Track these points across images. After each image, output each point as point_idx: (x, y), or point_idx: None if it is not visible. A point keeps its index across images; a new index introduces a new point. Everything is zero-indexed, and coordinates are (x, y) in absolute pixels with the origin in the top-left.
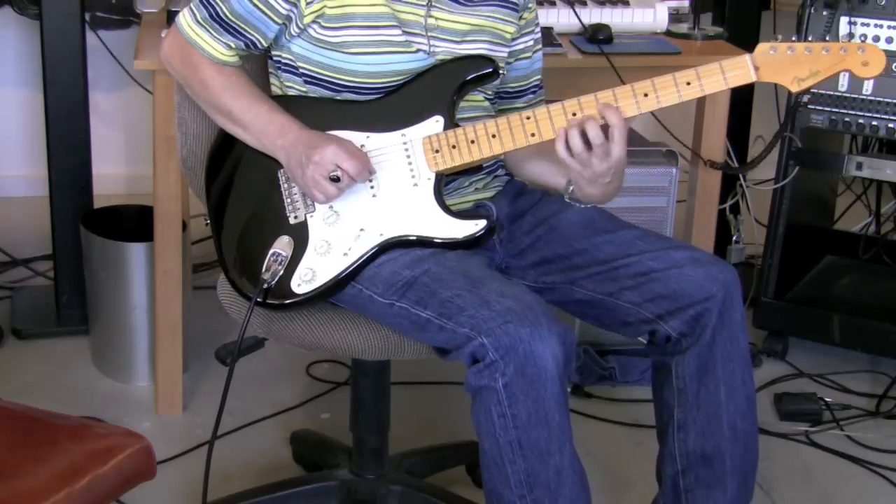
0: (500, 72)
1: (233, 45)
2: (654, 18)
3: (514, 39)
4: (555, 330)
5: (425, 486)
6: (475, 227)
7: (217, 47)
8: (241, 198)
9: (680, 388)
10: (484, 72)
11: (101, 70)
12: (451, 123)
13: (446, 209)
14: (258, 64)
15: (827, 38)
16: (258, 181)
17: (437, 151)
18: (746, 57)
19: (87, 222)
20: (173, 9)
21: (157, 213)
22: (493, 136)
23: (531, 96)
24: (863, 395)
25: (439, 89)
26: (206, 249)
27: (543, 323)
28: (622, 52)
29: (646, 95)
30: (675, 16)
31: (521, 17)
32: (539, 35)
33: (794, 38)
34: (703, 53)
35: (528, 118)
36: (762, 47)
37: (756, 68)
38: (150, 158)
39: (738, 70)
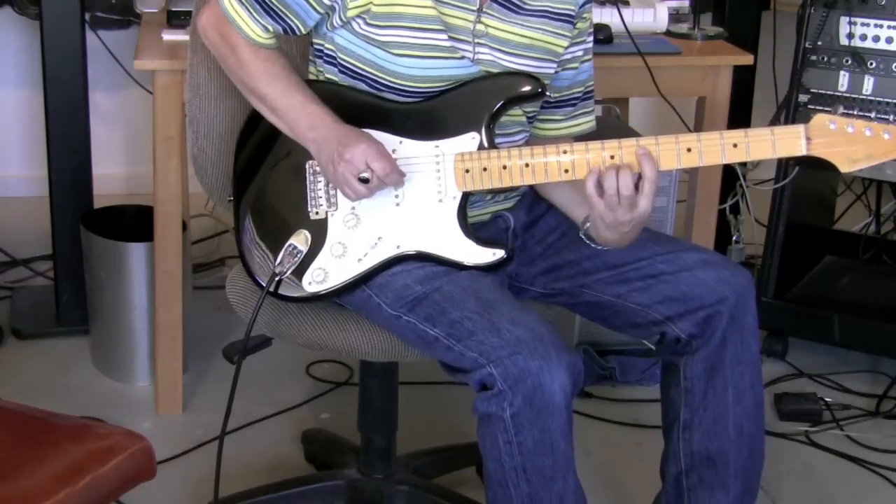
0: (547, 93)
1: (271, 29)
2: (654, 18)
3: (565, 50)
4: (563, 361)
5: (432, 486)
6: (492, 256)
7: (255, 29)
8: (267, 185)
9: (687, 389)
10: (528, 91)
11: (101, 70)
12: (487, 142)
13: (467, 231)
14: (294, 46)
15: (829, 39)
16: (285, 170)
17: (467, 171)
18: (801, 128)
19: (87, 222)
20: (173, 9)
21: (157, 213)
22: (527, 165)
23: (570, 108)
24: (863, 395)
25: (480, 104)
26: (206, 249)
27: (553, 355)
28: (622, 52)
29: (689, 150)
30: (675, 16)
31: (575, 27)
32: (590, 45)
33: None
34: (703, 53)
35: (565, 152)
36: (820, 119)
37: (808, 140)
38: (150, 158)
39: (789, 139)
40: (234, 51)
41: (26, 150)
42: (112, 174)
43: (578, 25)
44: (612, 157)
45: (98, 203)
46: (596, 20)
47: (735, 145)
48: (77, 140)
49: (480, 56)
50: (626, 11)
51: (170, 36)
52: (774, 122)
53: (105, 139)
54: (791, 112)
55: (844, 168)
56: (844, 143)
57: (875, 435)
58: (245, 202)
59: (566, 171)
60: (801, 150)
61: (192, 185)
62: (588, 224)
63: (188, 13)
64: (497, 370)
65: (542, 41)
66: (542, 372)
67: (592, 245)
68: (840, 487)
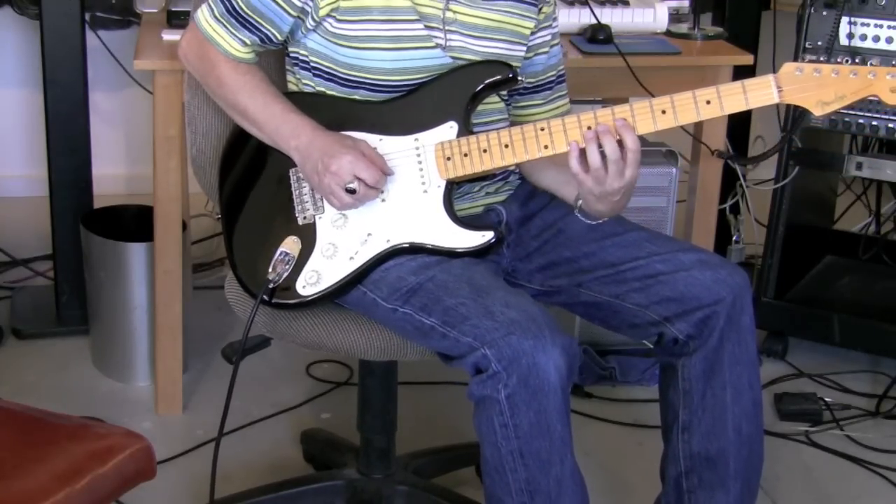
0: (519, 78)
1: (248, 42)
2: (654, 18)
3: (532, 34)
4: (558, 342)
5: (431, 486)
6: (482, 238)
7: (233, 43)
8: (252, 195)
9: (686, 390)
10: (501, 78)
11: (101, 70)
12: (465, 130)
13: (455, 218)
14: (274, 59)
15: (828, 38)
16: (269, 180)
17: (448, 159)
18: (770, 77)
19: (87, 222)
20: (173, 9)
21: (157, 213)
22: (506, 146)
23: (548, 92)
24: (863, 395)
25: (455, 94)
26: (206, 249)
27: (547, 335)
28: (622, 52)
29: (664, 112)
30: (675, 16)
31: (540, 11)
32: (557, 29)
33: (821, 59)
34: (704, 53)
35: (542, 129)
36: (787, 68)
37: (780, 89)
38: (150, 158)
39: (760, 90)
40: (213, 69)
41: (26, 150)
42: (112, 174)
43: (544, 10)
44: (589, 128)
45: (98, 203)
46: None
47: (708, 102)
48: (77, 140)
49: (452, 43)
50: (626, 11)
51: (170, 36)
52: (788, 135)
53: (105, 139)
54: (792, 112)
55: (818, 111)
56: (814, 87)
57: (875, 435)
58: (233, 216)
59: (545, 146)
60: (773, 98)
61: (192, 185)
62: (580, 201)
63: (188, 13)
64: (491, 351)
65: (508, 23)
66: (537, 351)
67: (588, 221)
68: (840, 487)
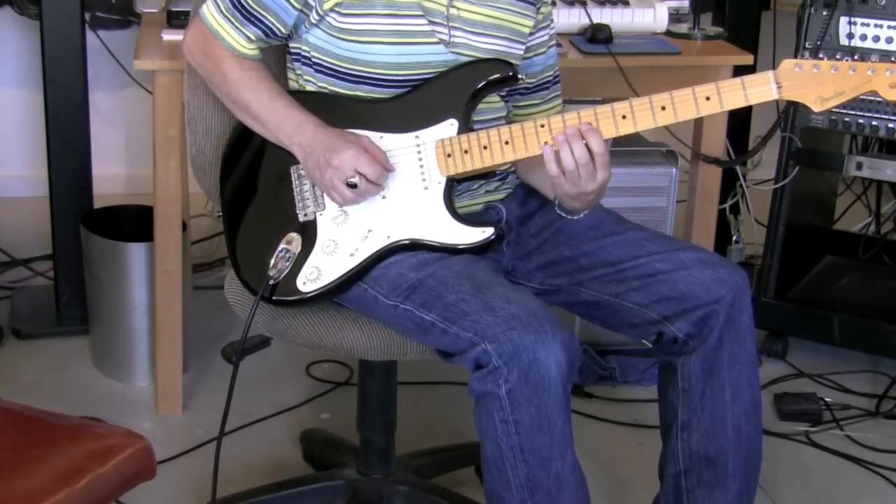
0: (520, 76)
1: (253, 38)
2: (654, 18)
3: (530, 34)
4: (559, 337)
5: (431, 486)
6: (482, 234)
7: (238, 39)
8: (253, 193)
9: (685, 389)
10: (502, 76)
11: (101, 70)
12: (465, 127)
13: (455, 214)
14: (275, 57)
15: (828, 39)
16: (270, 177)
17: (449, 156)
18: (770, 73)
19: (87, 222)
20: (173, 9)
21: (157, 213)
22: (507, 142)
23: (545, 92)
24: (863, 395)
25: (456, 92)
26: (206, 249)
27: (548, 330)
28: (622, 52)
29: (663, 109)
30: (675, 16)
31: (538, 11)
32: (554, 30)
33: (821, 56)
34: (704, 53)
35: (543, 126)
36: (786, 64)
37: (779, 85)
38: (150, 158)
39: (760, 86)
40: (218, 65)
41: (26, 150)
42: (112, 174)
43: (542, 10)
44: (589, 125)
45: (98, 203)
46: (596, 20)
47: (708, 98)
48: (77, 140)
49: (455, 39)
50: (626, 11)
51: (170, 36)
52: (776, 126)
53: (105, 139)
54: (792, 112)
55: (817, 107)
56: (814, 83)
57: (875, 435)
58: (234, 214)
59: (546, 143)
60: (772, 94)
61: (192, 185)
62: (558, 200)
63: (188, 13)
64: (492, 347)
65: (508, 21)
66: (538, 347)
67: (566, 216)
68: (840, 487)
